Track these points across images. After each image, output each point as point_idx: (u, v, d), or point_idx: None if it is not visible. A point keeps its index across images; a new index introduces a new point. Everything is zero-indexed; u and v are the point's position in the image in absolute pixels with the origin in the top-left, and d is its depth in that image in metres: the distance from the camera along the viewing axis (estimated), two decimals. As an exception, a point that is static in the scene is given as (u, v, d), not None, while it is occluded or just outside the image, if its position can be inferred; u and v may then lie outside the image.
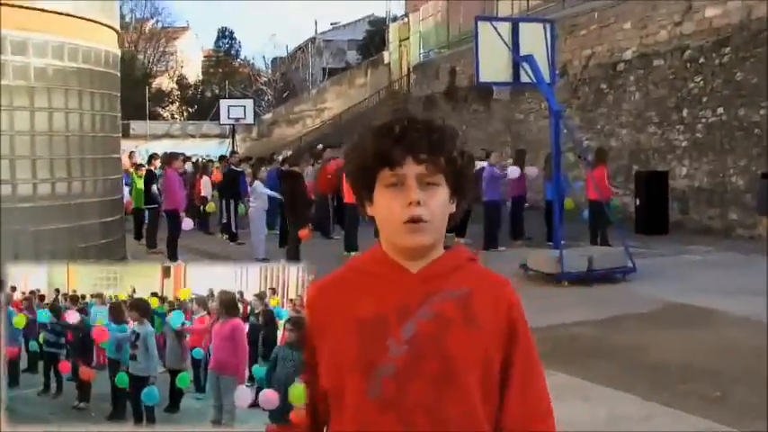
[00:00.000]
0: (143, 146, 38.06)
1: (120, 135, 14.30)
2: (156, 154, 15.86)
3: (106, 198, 12.96)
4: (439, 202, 1.80)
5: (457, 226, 16.68)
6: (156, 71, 60.23)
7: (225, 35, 60.83)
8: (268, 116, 41.59)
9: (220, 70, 57.21)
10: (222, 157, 18.86)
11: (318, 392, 1.86)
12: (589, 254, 11.61)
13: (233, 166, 17.37)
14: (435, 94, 32.21)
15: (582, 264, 11.31)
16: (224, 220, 17.62)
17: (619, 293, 10.64)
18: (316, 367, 1.85)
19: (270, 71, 57.31)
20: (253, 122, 35.29)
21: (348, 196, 15.10)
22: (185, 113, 57.61)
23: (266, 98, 48.73)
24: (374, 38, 48.54)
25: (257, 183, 13.98)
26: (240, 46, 64.71)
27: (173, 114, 58.58)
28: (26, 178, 11.53)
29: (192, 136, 40.95)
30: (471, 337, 1.79)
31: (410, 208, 1.76)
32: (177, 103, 60.26)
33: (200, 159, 21.56)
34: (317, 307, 1.89)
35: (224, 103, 33.45)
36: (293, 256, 12.36)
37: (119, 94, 14.05)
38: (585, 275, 11.23)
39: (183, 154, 15.52)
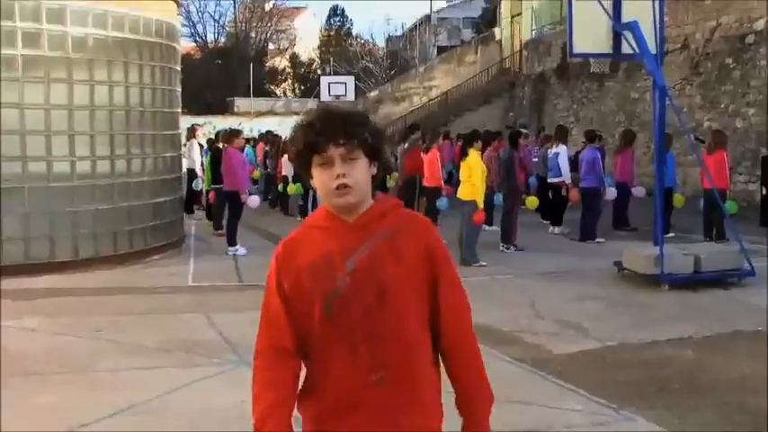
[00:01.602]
0: (247, 123, 37.62)
1: (180, 110, 13.31)
2: (224, 130, 14.77)
3: (159, 177, 11.96)
4: (360, 171, 2.37)
5: (552, 214, 15.13)
6: (270, 49, 60.06)
7: (336, 13, 60.12)
8: (373, 94, 40.36)
9: (331, 49, 56.43)
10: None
11: (291, 314, 2.41)
12: (696, 252, 9.79)
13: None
14: (547, 71, 30.34)
15: (687, 264, 9.55)
16: (300, 202, 16.50)
17: (730, 303, 8.84)
18: (286, 300, 2.41)
19: (383, 49, 56.19)
20: (354, 100, 34.07)
21: (429, 180, 13.66)
22: (297, 91, 57.16)
23: (374, 76, 47.53)
24: (488, 15, 46.62)
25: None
26: (352, 24, 63.94)
27: (285, 92, 58.28)
28: (63, 155, 10.62)
29: (296, 113, 40.11)
30: (398, 268, 2.36)
31: (337, 179, 2.33)
32: (290, 81, 59.95)
33: (283, 137, 20.42)
34: (281, 256, 2.45)
35: (324, 80, 32.42)
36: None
37: (179, 68, 13.02)
38: (690, 279, 9.46)
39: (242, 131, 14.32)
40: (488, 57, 38.31)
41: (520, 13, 35.93)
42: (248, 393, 2.43)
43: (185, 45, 58.40)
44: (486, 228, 13.76)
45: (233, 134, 12.61)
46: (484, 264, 11.21)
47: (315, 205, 15.11)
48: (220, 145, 14.28)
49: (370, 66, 47.66)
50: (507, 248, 12.47)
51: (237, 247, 12.32)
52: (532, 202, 12.83)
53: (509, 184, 12.59)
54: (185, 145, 17.08)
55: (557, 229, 14.40)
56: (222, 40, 57.17)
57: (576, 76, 27.37)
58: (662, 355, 6.86)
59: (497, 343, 7.09)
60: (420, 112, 37.33)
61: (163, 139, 11.95)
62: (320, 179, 2.36)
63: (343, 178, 2.32)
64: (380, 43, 58.70)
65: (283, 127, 31.27)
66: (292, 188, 16.99)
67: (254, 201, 12.19)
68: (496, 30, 39.36)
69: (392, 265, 2.35)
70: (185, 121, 28.43)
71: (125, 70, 11.13)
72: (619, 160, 14.65)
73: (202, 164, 16.69)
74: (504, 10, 38.26)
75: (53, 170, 10.45)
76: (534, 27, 34.04)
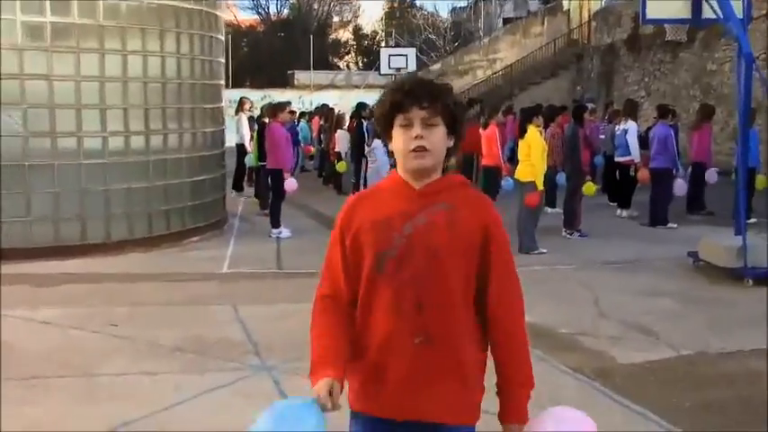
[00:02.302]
0: (307, 96, 36.97)
1: (222, 82, 12.61)
2: (268, 104, 14.03)
3: (198, 154, 11.30)
4: (438, 137, 2.47)
5: (620, 196, 14.08)
6: (334, 22, 59.27)
7: (400, -17, 58.81)
8: (436, 66, 39.22)
9: (394, 21, 55.33)
10: (362, 107, 16.82)
11: (348, 266, 2.52)
12: (785, 243, 8.75)
13: (363, 119, 15.32)
14: (616, 42, 28.93)
15: (773, 257, 8.52)
16: (353, 179, 15.73)
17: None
18: (345, 251, 2.52)
19: (447, 21, 54.89)
20: (415, 72, 33.13)
21: (487, 158, 12.75)
22: (360, 64, 56.30)
23: (437, 48, 46.33)
24: (557, -16, 44.95)
25: (376, 142, 11.90)
26: (417, -7, 62.44)
27: (348, 65, 57.47)
28: (95, 131, 10.01)
29: (357, 86, 39.32)
30: (452, 238, 2.43)
31: (415, 140, 2.44)
32: (353, 54, 59.08)
33: (338, 110, 19.64)
34: (348, 210, 2.57)
35: (384, 52, 31.40)
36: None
37: (221, 37, 12.30)
38: (777, 273, 8.44)
39: (289, 103, 13.51)
40: (555, 28, 36.91)
41: (589, -18, 34.48)
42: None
43: (249, 18, 58.36)
44: (549, 210, 12.83)
45: (277, 107, 11.85)
46: (544, 251, 10.30)
47: (365, 184, 14.30)
48: (266, 119, 13.57)
49: (433, 38, 46.43)
50: (570, 234, 11.51)
51: (281, 229, 11.62)
52: (590, 188, 11.75)
53: (572, 163, 11.60)
54: (234, 118, 16.45)
55: (624, 213, 13.37)
56: (285, 12, 56.58)
57: (648, 47, 26.01)
58: (747, 368, 5.92)
59: (552, 348, 6.24)
60: (483, 85, 36.21)
61: (202, 113, 11.27)
62: (400, 139, 2.47)
63: (422, 140, 2.44)
64: (444, 15, 57.43)
65: (344, 101, 30.54)
66: (342, 165, 16.25)
67: (291, 184, 11.41)
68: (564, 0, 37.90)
69: (447, 236, 2.43)
70: (245, 95, 27.95)
71: (161, 39, 10.46)
72: (695, 137, 13.53)
73: (252, 138, 16.02)
74: (573, -22, 36.81)
75: (83, 146, 9.84)
76: (604, -4, 32.62)
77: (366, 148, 12.68)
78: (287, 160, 11.57)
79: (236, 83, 40.78)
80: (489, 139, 12.63)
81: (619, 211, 13.51)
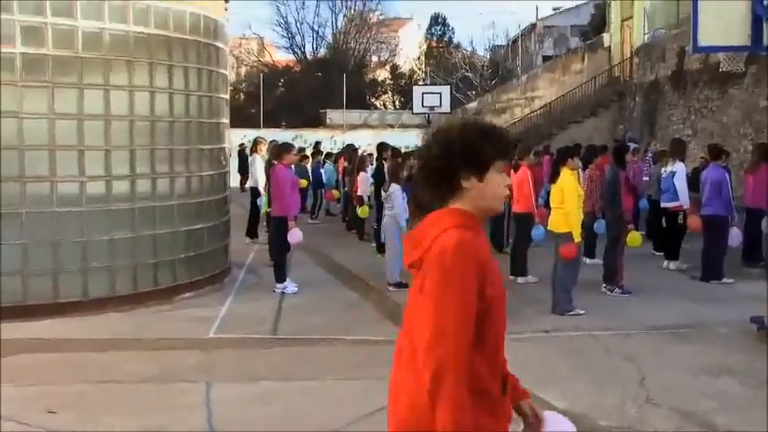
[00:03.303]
0: (339, 136, 35.97)
1: (227, 121, 11.53)
2: (276, 144, 12.87)
3: (194, 200, 10.19)
4: None
5: (667, 245, 12.69)
6: (371, 61, 58.62)
7: (438, 21, 58.04)
8: (473, 105, 38.12)
9: (431, 60, 54.47)
10: (383, 148, 15.69)
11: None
12: None
13: (384, 161, 14.13)
14: (660, 78, 27.53)
15: None
16: (374, 225, 14.49)
17: None
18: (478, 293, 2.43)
19: (485, 59, 53.86)
20: (449, 111, 31.94)
21: (518, 204, 11.47)
22: (397, 103, 55.42)
23: (474, 87, 45.22)
24: (596, 22, 43.75)
25: (394, 187, 10.69)
26: (453, 32, 61.61)
27: (385, 104, 56.64)
28: (71, 175, 8.93)
29: (391, 126, 38.31)
30: None
31: (507, 188, 2.64)
32: (389, 93, 58.25)
33: (363, 151, 18.50)
34: (482, 260, 2.46)
35: (417, 90, 30.36)
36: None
37: (225, 72, 11.24)
38: None
39: (292, 146, 12.37)
40: (596, 65, 35.69)
41: (631, 17, 33.19)
42: None
43: (285, 58, 57.91)
44: (588, 261, 11.50)
45: (282, 148, 10.69)
46: (581, 312, 8.97)
47: (378, 235, 13.09)
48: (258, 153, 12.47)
49: (470, 75, 45.38)
50: (611, 291, 10.15)
51: (286, 283, 10.43)
52: (635, 239, 10.35)
53: (613, 209, 10.26)
54: (247, 159, 15.38)
55: (672, 265, 11.96)
56: (322, 51, 56.06)
57: (694, 83, 24.59)
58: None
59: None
60: (521, 124, 35.03)
61: (198, 154, 10.17)
62: (499, 182, 2.60)
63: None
64: (482, 52, 56.48)
65: (377, 140, 29.51)
66: (364, 211, 15.05)
67: (294, 236, 10.20)
68: (605, 35, 36.69)
69: None
70: (277, 135, 27.02)
71: (150, 72, 9.38)
72: (751, 180, 12.10)
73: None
74: (614, 13, 35.57)
75: (57, 192, 8.74)
76: (647, 31, 31.27)
77: (383, 193, 11.45)
78: (291, 206, 10.37)
79: (272, 123, 40.07)
80: (520, 183, 11.35)
81: (666, 262, 12.11)
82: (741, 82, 21.56)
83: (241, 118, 42.40)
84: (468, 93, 43.44)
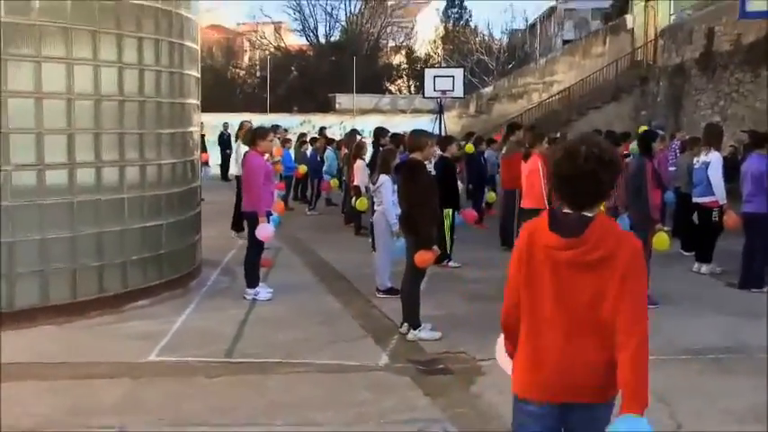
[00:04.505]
0: (349, 121, 34.50)
1: (198, 102, 10.14)
2: (250, 128, 11.41)
3: (150, 193, 8.81)
4: None
5: (698, 245, 11.20)
6: (387, 45, 57.06)
7: (454, 4, 56.27)
8: (488, 90, 36.53)
9: (448, 45, 52.79)
10: (381, 134, 14.25)
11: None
12: None
13: (381, 147, 12.65)
14: (687, 62, 25.83)
15: None
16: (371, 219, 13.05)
17: None
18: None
19: (502, 42, 52.14)
20: (462, 96, 30.37)
21: (527, 198, 10.02)
22: (413, 88, 53.82)
23: (490, 71, 43.54)
24: (619, 4, 41.98)
25: (383, 178, 9.28)
26: (471, 15, 59.78)
27: (400, 89, 55.10)
28: (18, 163, 7.55)
29: (403, 111, 36.83)
30: None
31: None
32: (404, 78, 56.69)
33: (360, 137, 17.01)
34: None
35: (429, 73, 28.66)
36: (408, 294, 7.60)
37: (195, 46, 9.85)
38: None
39: (274, 129, 10.92)
40: (618, 48, 34.04)
41: (656, -3, 31.55)
42: None
43: (298, 42, 56.42)
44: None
45: (258, 134, 9.23)
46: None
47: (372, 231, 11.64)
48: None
49: (486, 59, 43.71)
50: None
51: (258, 289, 9.06)
52: (662, 241, 8.72)
53: (638, 207, 8.76)
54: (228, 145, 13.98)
55: (704, 268, 10.48)
56: (336, 34, 54.54)
57: (724, 66, 22.93)
58: None
59: None
60: (538, 109, 33.53)
61: (156, 139, 8.77)
62: None
63: None
64: (498, 36, 54.77)
65: (388, 126, 28.01)
66: (362, 203, 13.59)
67: (263, 231, 8.80)
68: (628, 17, 35.01)
69: None
70: (284, 121, 25.52)
71: (93, 43, 7.98)
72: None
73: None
74: (638, -7, 33.91)
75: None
76: (672, 11, 29.60)
77: (371, 185, 10.00)
78: (262, 200, 8.95)
79: (284, 108, 38.68)
80: (531, 174, 9.92)
81: (697, 265, 10.63)
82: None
83: (254, 104, 41.09)
84: (485, 77, 41.80)
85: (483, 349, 6.83)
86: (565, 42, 44.23)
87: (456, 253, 11.21)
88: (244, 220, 13.58)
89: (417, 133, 7.84)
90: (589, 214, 2.98)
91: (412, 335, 7.45)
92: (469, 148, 16.12)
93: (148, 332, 7.48)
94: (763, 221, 9.24)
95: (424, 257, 7.33)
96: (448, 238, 11.10)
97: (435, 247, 7.48)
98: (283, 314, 8.35)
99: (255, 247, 9.09)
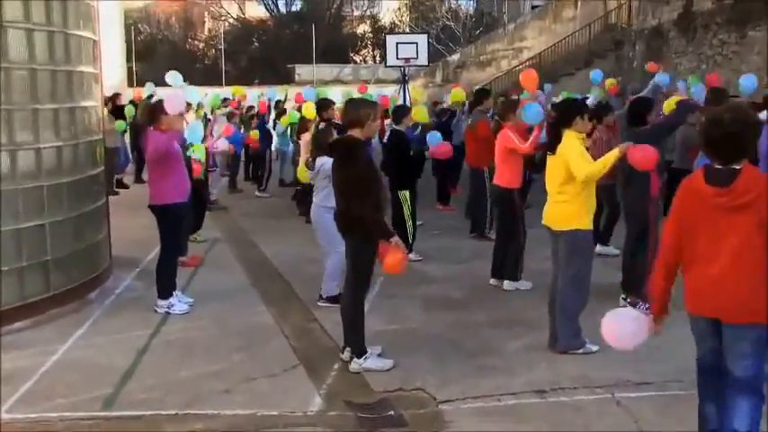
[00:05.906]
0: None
1: (99, 71, 8.31)
2: (149, 102, 9.54)
3: (32, 184, 7.02)
4: None
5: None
6: (353, 14, 55.13)
7: (420, -32, 54.31)
8: (454, 57, 34.77)
9: (415, 13, 50.91)
10: (326, 106, 12.27)
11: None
12: None
13: (324, 122, 10.83)
14: (664, 23, 24.28)
15: None
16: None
17: None
18: None
19: (468, 9, 50.33)
20: (427, 64, 28.50)
21: (500, 176, 8.37)
22: (378, 58, 51.93)
23: (457, 38, 41.69)
24: (590, -36, 40.35)
25: (320, 161, 7.59)
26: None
27: (365, 59, 53.24)
28: None
29: (366, 81, 35.01)
30: None
31: None
32: (370, 47, 54.84)
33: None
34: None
35: (391, 40, 26.76)
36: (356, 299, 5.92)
37: (93, 3, 8.03)
38: None
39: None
40: (590, 10, 32.51)
41: (630, -45, 29.94)
42: None
43: (258, 13, 54.26)
44: (598, 248, 8.51)
45: (155, 109, 7.40)
46: (594, 350, 5.95)
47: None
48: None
49: (452, 25, 41.89)
50: (634, 305, 7.01)
51: (172, 299, 7.35)
52: None
53: (633, 190, 7.16)
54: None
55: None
56: (297, 4, 52.48)
57: (705, 26, 21.40)
58: None
59: None
60: (508, 77, 31.89)
61: (31, 116, 6.97)
62: None
63: None
64: (466, 2, 52.98)
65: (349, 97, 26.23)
66: (303, 173, 11.58)
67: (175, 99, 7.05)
68: (601, -23, 33.35)
69: None
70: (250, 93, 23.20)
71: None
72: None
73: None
74: (611, -47, 32.29)
75: None
76: (648, -30, 28.03)
77: (309, 172, 8.21)
78: (176, 188, 7.21)
79: (245, 81, 36.78)
80: (501, 149, 8.25)
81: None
82: (763, 23, 18.39)
83: (213, 77, 39.10)
84: (451, 44, 40.04)
85: (446, 383, 5.28)
86: (534, 7, 42.58)
87: (416, 241, 9.56)
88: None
89: (355, 104, 6.01)
90: (737, 167, 3.67)
91: (356, 365, 5.79)
92: (458, 95, 14.62)
93: (12, 371, 5.76)
94: None
95: (392, 260, 5.56)
96: (409, 225, 9.44)
97: (397, 240, 5.68)
98: (196, 336, 6.65)
99: (171, 247, 7.36)
